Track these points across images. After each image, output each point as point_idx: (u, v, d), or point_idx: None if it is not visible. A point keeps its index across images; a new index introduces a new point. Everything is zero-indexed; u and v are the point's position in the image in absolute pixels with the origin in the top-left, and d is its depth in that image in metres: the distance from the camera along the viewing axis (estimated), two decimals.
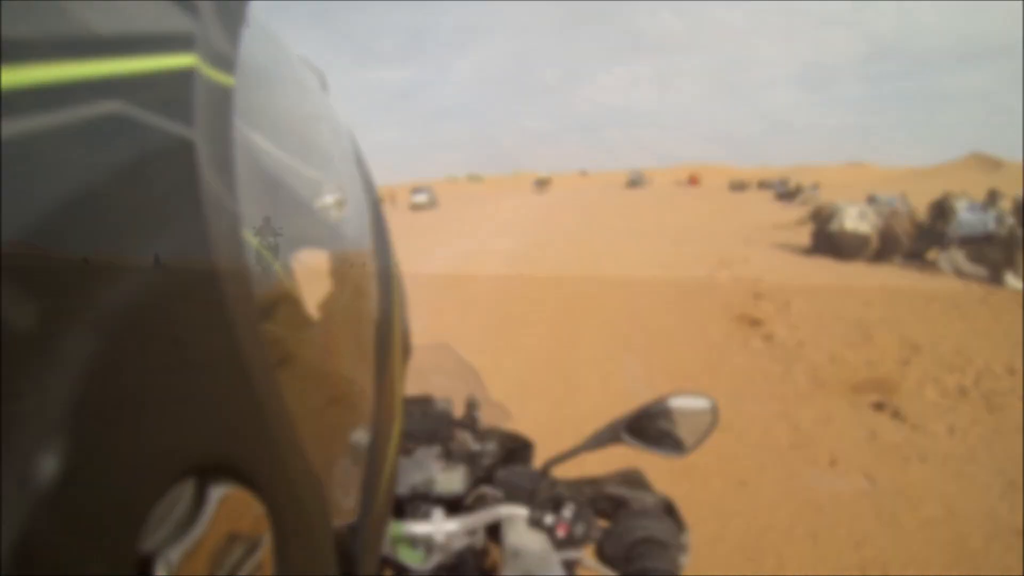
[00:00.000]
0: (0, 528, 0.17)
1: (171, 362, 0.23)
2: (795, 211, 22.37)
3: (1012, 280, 8.64)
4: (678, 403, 0.88)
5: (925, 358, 5.35)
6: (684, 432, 0.88)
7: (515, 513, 0.84)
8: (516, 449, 1.02)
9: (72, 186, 0.20)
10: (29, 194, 0.18)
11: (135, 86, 0.24)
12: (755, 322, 6.58)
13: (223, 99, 0.29)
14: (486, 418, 1.14)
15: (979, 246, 9.43)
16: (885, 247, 10.95)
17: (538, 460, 0.97)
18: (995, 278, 8.88)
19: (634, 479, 0.91)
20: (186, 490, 0.24)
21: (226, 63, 0.31)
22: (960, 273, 9.42)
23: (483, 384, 1.31)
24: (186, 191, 0.25)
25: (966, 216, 10.00)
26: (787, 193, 35.38)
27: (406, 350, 0.62)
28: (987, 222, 9.72)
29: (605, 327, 6.66)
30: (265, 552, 0.28)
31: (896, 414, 4.23)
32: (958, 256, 9.62)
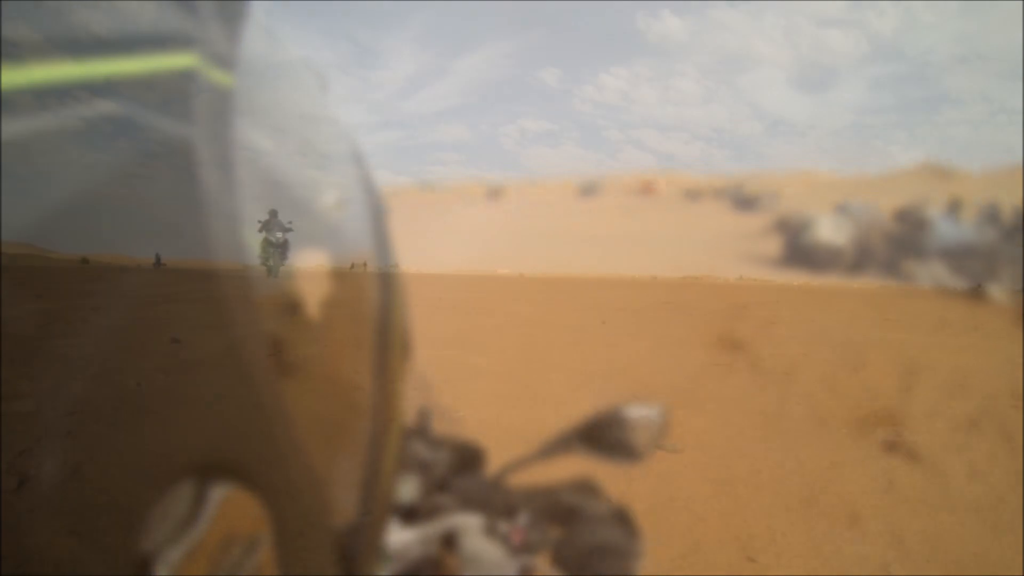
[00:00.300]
0: (0, 528, 0.17)
1: (171, 362, 0.25)
2: (756, 220, 23.01)
3: (996, 292, 8.82)
4: (629, 412, 0.92)
5: (926, 382, 5.28)
6: (636, 440, 0.92)
7: (470, 521, 0.86)
8: (469, 457, 1.05)
9: (72, 186, 0.21)
10: (29, 194, 0.19)
11: (135, 86, 0.25)
12: (737, 344, 6.39)
13: (223, 99, 0.31)
14: (438, 426, 1.17)
15: (959, 257, 9.66)
16: (860, 258, 11.13)
17: (491, 468, 1.02)
18: (977, 290, 9.05)
19: (587, 487, 0.95)
20: (186, 490, 0.24)
21: (226, 63, 0.32)
22: (940, 285, 9.59)
23: (434, 392, 1.36)
24: (186, 191, 0.26)
25: (944, 226, 10.26)
26: (744, 201, 36.73)
27: (406, 350, 0.66)
28: (966, 233, 9.99)
29: (572, 349, 6.35)
30: (265, 552, 0.29)
31: (911, 455, 4.01)
32: (938, 267, 9.82)
